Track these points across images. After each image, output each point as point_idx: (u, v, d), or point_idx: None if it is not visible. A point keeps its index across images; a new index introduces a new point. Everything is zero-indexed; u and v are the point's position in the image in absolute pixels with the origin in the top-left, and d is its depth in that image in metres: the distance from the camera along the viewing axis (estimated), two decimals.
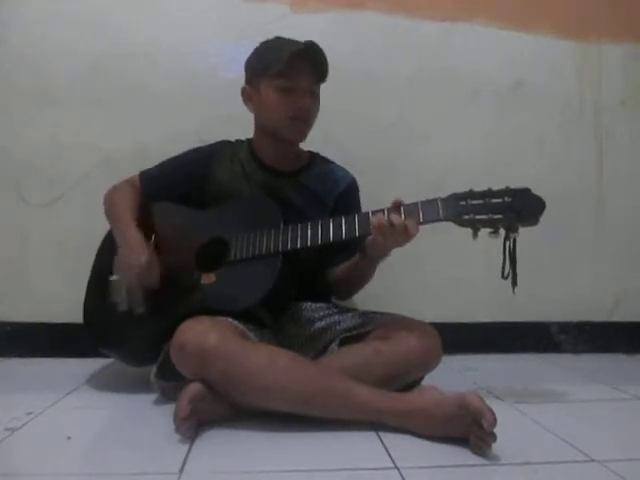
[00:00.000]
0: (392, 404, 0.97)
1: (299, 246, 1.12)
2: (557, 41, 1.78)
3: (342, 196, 1.34)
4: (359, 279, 1.28)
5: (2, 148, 1.60)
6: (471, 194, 1.04)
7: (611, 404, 1.21)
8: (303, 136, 1.27)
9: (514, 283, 1.06)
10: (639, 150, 1.81)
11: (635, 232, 1.81)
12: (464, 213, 1.02)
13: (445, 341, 1.15)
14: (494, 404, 0.89)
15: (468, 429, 0.88)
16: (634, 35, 1.81)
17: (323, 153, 1.41)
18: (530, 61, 1.78)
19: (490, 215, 1.01)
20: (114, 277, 1.20)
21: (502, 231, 1.02)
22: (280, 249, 1.12)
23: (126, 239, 1.20)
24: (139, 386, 1.21)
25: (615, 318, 1.78)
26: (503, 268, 1.06)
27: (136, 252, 1.16)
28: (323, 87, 1.30)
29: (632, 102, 1.81)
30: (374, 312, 1.24)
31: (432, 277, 1.71)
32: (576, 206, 1.78)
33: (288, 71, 1.18)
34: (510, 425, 0.96)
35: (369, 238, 1.08)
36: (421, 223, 1.04)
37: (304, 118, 1.22)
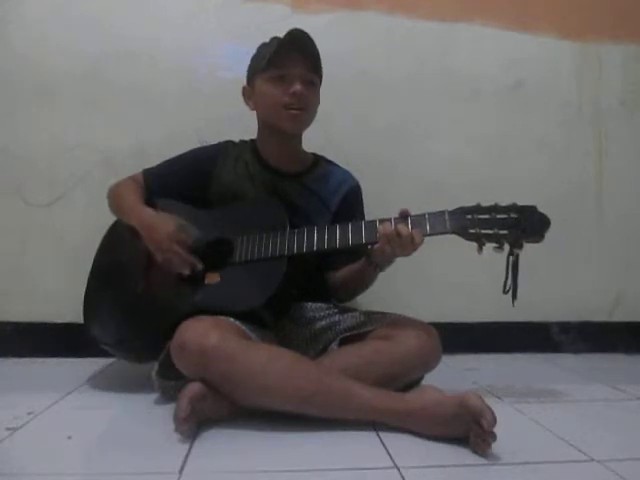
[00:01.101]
0: (392, 404, 0.97)
1: (305, 250, 1.12)
2: (557, 41, 1.78)
3: (345, 199, 1.34)
4: (360, 284, 1.29)
5: (2, 148, 1.60)
6: (478, 208, 1.05)
7: (611, 404, 1.21)
8: (301, 125, 1.27)
9: (514, 296, 1.07)
10: (639, 150, 1.82)
11: (635, 232, 1.80)
12: (470, 227, 1.03)
13: (445, 341, 1.15)
14: (494, 404, 0.89)
15: (468, 428, 0.88)
16: (634, 35, 1.81)
17: (323, 153, 1.41)
18: (530, 61, 1.77)
19: (496, 230, 1.02)
20: (160, 258, 1.17)
21: (507, 246, 1.03)
22: (286, 253, 1.12)
23: (146, 221, 1.20)
24: (139, 386, 1.21)
25: (615, 318, 1.78)
26: (505, 283, 1.07)
27: (160, 226, 1.16)
28: (323, 87, 1.30)
29: (632, 102, 1.81)
30: (374, 312, 1.25)
31: (433, 277, 1.71)
32: (576, 206, 1.78)
33: (277, 60, 1.20)
34: (510, 425, 0.96)
35: (376, 246, 1.09)
36: (428, 234, 1.05)
37: (298, 105, 1.21)
